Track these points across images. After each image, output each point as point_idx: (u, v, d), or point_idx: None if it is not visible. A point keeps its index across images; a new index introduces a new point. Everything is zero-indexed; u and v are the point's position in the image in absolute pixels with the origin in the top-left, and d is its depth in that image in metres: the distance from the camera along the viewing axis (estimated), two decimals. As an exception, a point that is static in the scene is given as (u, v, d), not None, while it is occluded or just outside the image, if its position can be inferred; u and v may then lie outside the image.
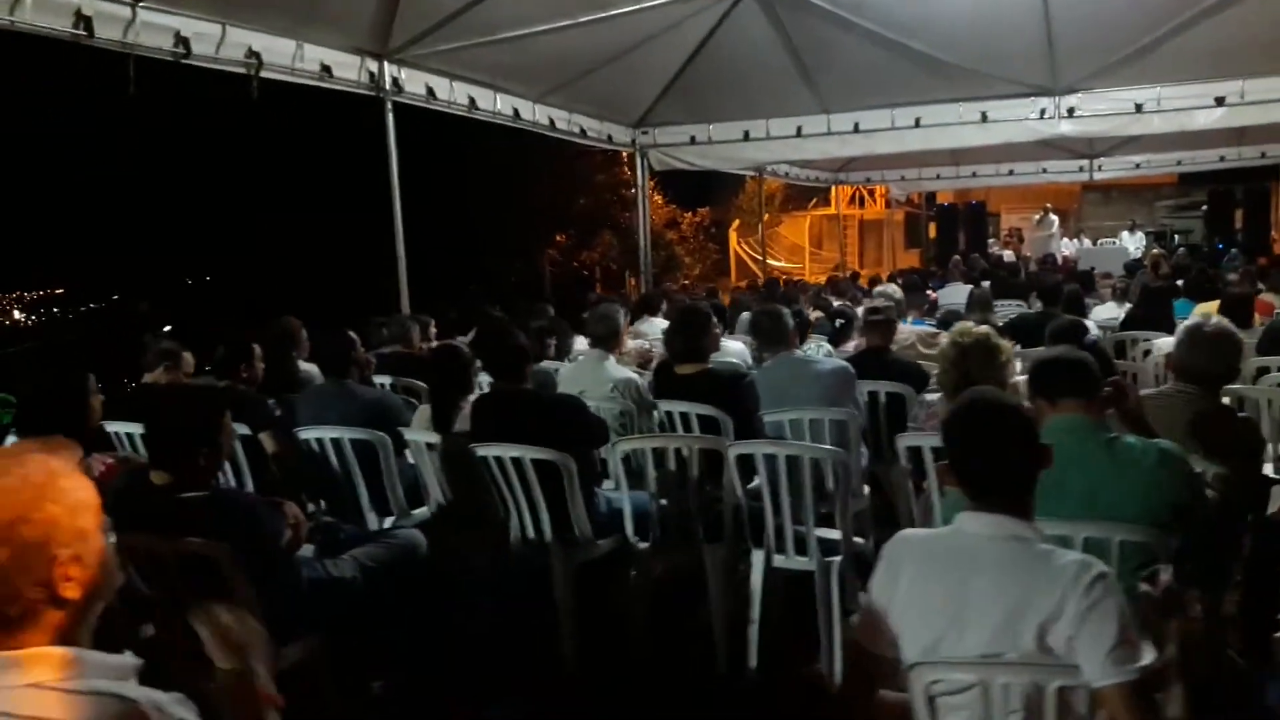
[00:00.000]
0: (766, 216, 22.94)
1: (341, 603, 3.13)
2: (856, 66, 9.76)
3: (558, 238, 19.91)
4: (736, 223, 22.37)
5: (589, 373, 4.84)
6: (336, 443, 4.21)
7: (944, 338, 5.97)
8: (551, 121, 10.18)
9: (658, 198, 19.52)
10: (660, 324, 7.52)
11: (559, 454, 3.65)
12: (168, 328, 14.53)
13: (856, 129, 10.55)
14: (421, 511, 4.34)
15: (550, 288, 16.73)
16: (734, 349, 5.74)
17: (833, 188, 23.04)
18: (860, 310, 5.97)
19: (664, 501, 3.84)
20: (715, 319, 6.47)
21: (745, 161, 12.87)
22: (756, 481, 3.78)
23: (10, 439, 3.92)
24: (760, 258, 22.54)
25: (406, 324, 6.28)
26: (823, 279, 15.26)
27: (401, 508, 4.31)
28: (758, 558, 3.66)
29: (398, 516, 4.24)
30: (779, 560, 3.60)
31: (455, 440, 3.90)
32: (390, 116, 8.22)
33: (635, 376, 4.78)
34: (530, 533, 3.81)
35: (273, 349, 5.31)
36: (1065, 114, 9.99)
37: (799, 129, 10.93)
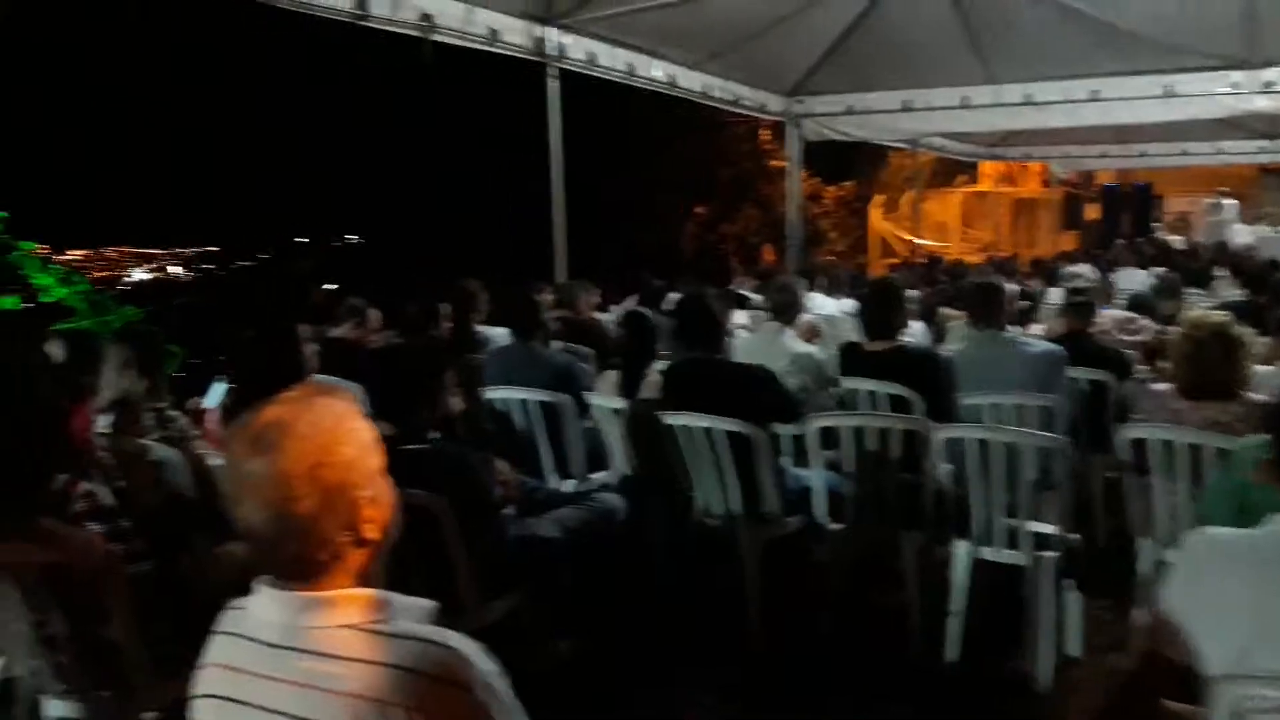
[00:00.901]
0: (911, 194, 22.26)
1: (544, 562, 3.13)
2: (1029, 34, 9.25)
3: (697, 209, 19.74)
4: (879, 198, 21.74)
5: (767, 345, 4.72)
6: (523, 404, 4.24)
7: (1144, 323, 5.68)
8: (707, 89, 10.05)
9: (801, 171, 19.11)
10: (820, 300, 7.33)
11: (751, 427, 3.57)
12: (331, 285, 15.07)
13: (1028, 101, 10.01)
14: (601, 475, 4.34)
15: (691, 260, 16.62)
16: (914, 328, 5.53)
17: (979, 164, 22.20)
18: (1053, 292, 5.66)
19: (856, 482, 3.71)
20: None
21: (902, 133, 12.42)
22: (945, 467, 3.62)
23: (217, 388, 4.09)
24: (904, 236, 21.90)
25: (575, 289, 6.29)
26: (974, 259, 14.67)
27: (581, 471, 4.32)
28: (960, 548, 3.49)
29: (578, 480, 4.25)
30: (986, 553, 3.43)
31: (643, 407, 3.86)
32: (553, 83, 8.24)
33: (815, 350, 4.65)
34: (717, 505, 3.74)
35: (454, 310, 5.40)
36: (1262, 88, 9.24)
37: (963, 100, 10.47)
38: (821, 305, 7.14)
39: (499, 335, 5.79)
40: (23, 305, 12.03)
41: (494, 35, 7.58)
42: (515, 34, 7.77)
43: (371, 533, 1.42)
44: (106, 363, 3.55)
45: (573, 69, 8.39)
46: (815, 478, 3.71)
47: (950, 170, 22.55)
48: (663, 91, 9.58)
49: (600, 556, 3.29)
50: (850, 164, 20.86)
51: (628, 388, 3.98)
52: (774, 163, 18.07)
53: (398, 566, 2.86)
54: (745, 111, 10.74)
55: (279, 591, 1.40)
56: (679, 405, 3.69)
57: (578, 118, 8.44)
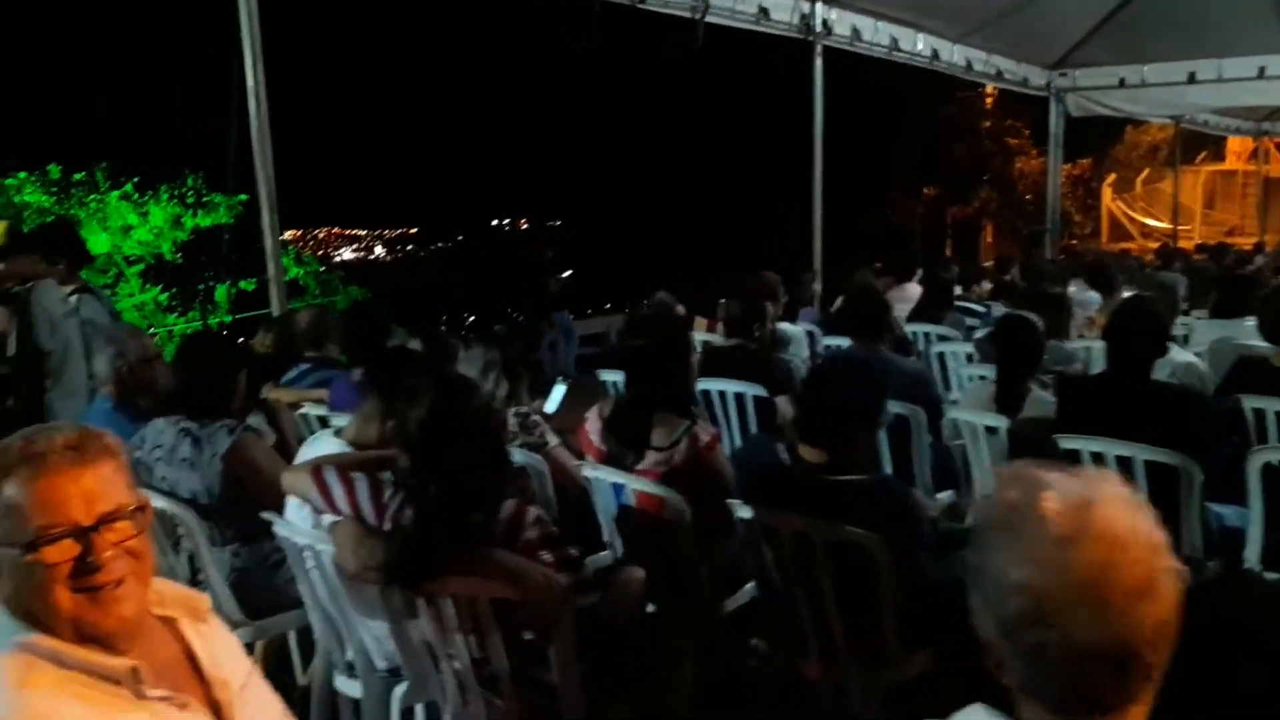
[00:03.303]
0: (1148, 171, 20.51)
1: (960, 610, 2.76)
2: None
3: (925, 190, 18.79)
4: (1112, 177, 20.11)
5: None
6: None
7: None
8: (969, 63, 9.40)
9: (1033, 149, 17.90)
10: (1093, 296, 6.46)
11: (1183, 458, 3.07)
12: (568, 272, 15.23)
13: (1348, 68, 8.82)
14: (946, 496, 3.94)
15: (918, 243, 15.82)
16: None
17: (1226, 141, 20.14)
18: None
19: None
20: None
21: (1183, 107, 11.25)
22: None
23: (558, 391, 3.91)
24: (1137, 217, 20.15)
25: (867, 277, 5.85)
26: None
27: (928, 489, 3.93)
28: None
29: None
30: None
31: (1031, 427, 3.42)
32: (819, 61, 7.84)
33: (1197, 361, 4.07)
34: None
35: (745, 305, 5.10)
36: None
37: (1262, 70, 9.34)
38: (1093, 302, 6.32)
39: (797, 333, 5.47)
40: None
41: (763, 14, 7.25)
42: (783, 11, 7.42)
43: (1163, 662, 1.08)
44: (467, 364, 3.43)
45: (836, 46, 7.96)
46: (1252, 517, 3.18)
47: (1192, 146, 20.60)
48: (923, 66, 8.99)
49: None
50: (1082, 139, 19.35)
51: (1007, 402, 3.53)
52: (1015, 141, 16.99)
53: (820, 608, 2.62)
54: (1005, 86, 9.99)
55: None
56: (1084, 427, 3.23)
57: (799, 95, 8.05)
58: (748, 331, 4.24)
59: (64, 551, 1.26)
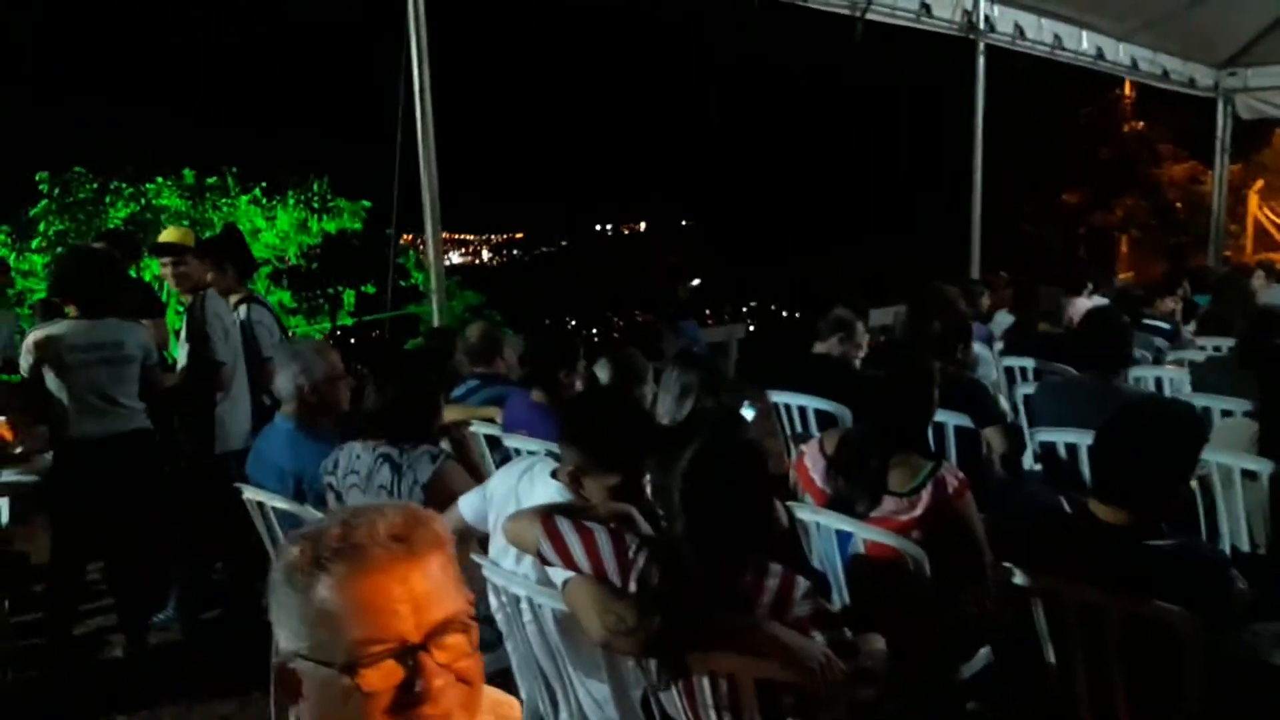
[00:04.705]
0: (1297, 176, 19.17)
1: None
2: None
3: (1065, 196, 17.79)
4: (1259, 183, 18.84)
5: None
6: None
7: None
8: (1134, 62, 8.78)
9: (1182, 153, 16.81)
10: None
11: None
12: (696, 280, 14.95)
13: None
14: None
15: (1060, 254, 14.98)
16: None
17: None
18: None
19: None
20: None
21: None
22: None
23: (745, 413, 3.61)
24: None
25: (1056, 296, 5.37)
26: None
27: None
28: None
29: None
30: None
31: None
32: (981, 60, 7.39)
33: None
34: None
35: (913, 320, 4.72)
36: None
37: None
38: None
39: (985, 355, 5.04)
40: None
41: (925, 10, 6.85)
42: (945, 8, 7.00)
43: None
44: (665, 390, 3.15)
45: (999, 44, 7.49)
46: None
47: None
48: (1088, 68, 8.42)
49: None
50: (1235, 142, 18.16)
51: (1271, 444, 3.09)
52: (1165, 145, 15.94)
53: (1103, 687, 2.26)
54: (1171, 87, 9.31)
55: None
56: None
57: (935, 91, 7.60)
58: (949, 353, 3.85)
59: (387, 676, 0.98)
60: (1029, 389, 4.29)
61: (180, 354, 3.88)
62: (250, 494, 2.94)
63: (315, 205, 12.26)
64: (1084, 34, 8.09)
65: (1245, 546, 3.27)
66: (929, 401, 2.67)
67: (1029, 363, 4.99)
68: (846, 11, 6.45)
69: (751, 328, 10.76)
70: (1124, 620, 2.16)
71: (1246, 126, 15.71)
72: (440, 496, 2.58)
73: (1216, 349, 5.25)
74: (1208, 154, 18.25)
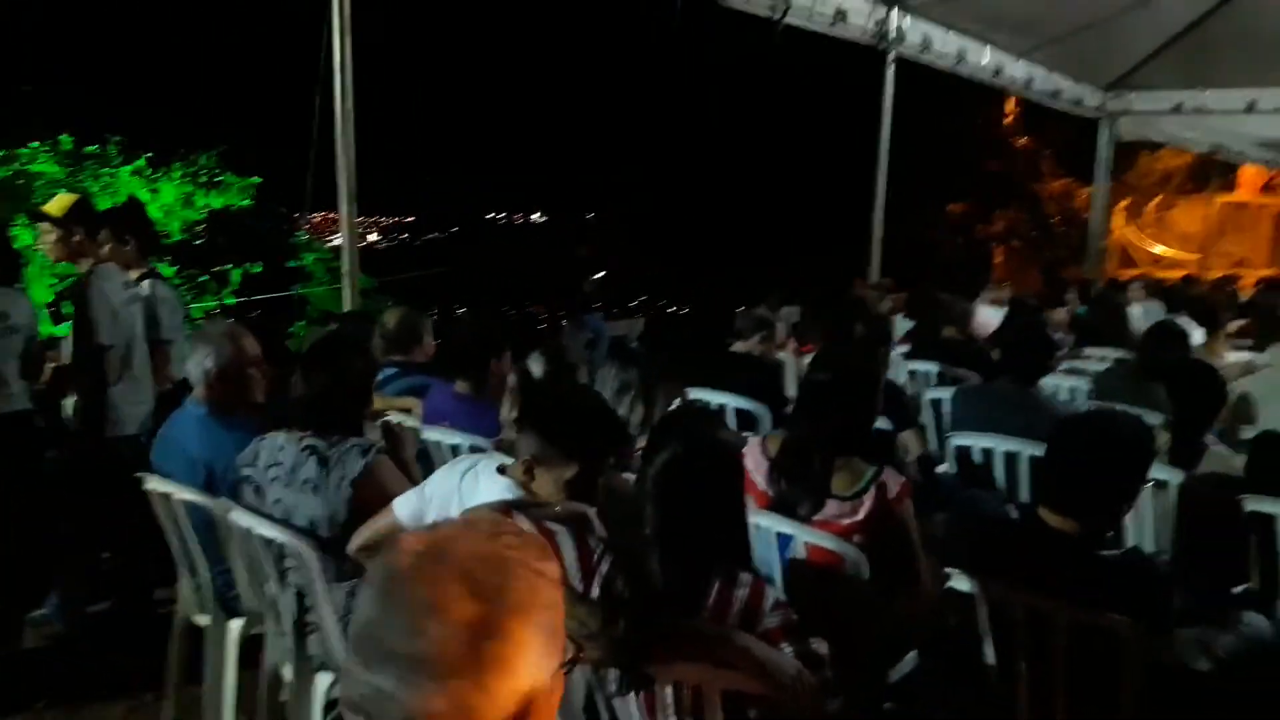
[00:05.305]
0: (1160, 198, 20.39)
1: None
2: None
3: (951, 207, 18.41)
4: (1126, 202, 19.91)
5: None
6: (1011, 457, 3.53)
7: None
8: (1030, 80, 9.11)
9: (1059, 170, 17.59)
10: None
11: None
12: (600, 274, 14.81)
13: None
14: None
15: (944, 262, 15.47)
16: None
17: (1237, 171, 20.03)
18: None
19: None
20: None
21: (1244, 138, 10.86)
22: None
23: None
24: (1146, 246, 19.96)
25: (961, 304, 5.52)
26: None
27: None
28: None
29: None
30: None
31: (1214, 485, 3.10)
32: (890, 70, 7.55)
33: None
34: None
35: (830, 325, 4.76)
36: None
37: (1325, 100, 9.14)
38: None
39: (893, 357, 5.13)
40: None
41: (839, 17, 6.94)
42: (860, 16, 7.11)
43: None
44: (601, 386, 3.06)
45: (906, 55, 7.67)
46: None
47: (1203, 175, 20.52)
48: (985, 83, 8.71)
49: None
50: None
51: (1181, 450, 3.21)
52: (1044, 156, 16.62)
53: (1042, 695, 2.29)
54: (1057, 106, 9.72)
55: None
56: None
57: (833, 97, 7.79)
58: (871, 355, 3.88)
59: None
60: (938, 393, 4.39)
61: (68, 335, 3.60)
62: (155, 484, 2.73)
63: (202, 179, 11.67)
64: (986, 49, 8.35)
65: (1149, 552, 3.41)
66: (873, 405, 2.67)
67: (933, 367, 5.11)
68: (766, 14, 6.48)
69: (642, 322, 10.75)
70: (1070, 626, 2.20)
71: (1117, 147, 16.64)
72: (370, 493, 2.44)
73: (1102, 359, 5.50)
74: (1083, 171, 19.22)
